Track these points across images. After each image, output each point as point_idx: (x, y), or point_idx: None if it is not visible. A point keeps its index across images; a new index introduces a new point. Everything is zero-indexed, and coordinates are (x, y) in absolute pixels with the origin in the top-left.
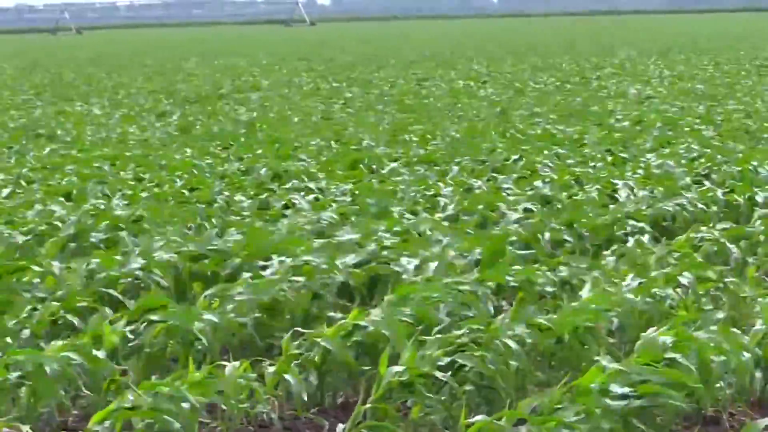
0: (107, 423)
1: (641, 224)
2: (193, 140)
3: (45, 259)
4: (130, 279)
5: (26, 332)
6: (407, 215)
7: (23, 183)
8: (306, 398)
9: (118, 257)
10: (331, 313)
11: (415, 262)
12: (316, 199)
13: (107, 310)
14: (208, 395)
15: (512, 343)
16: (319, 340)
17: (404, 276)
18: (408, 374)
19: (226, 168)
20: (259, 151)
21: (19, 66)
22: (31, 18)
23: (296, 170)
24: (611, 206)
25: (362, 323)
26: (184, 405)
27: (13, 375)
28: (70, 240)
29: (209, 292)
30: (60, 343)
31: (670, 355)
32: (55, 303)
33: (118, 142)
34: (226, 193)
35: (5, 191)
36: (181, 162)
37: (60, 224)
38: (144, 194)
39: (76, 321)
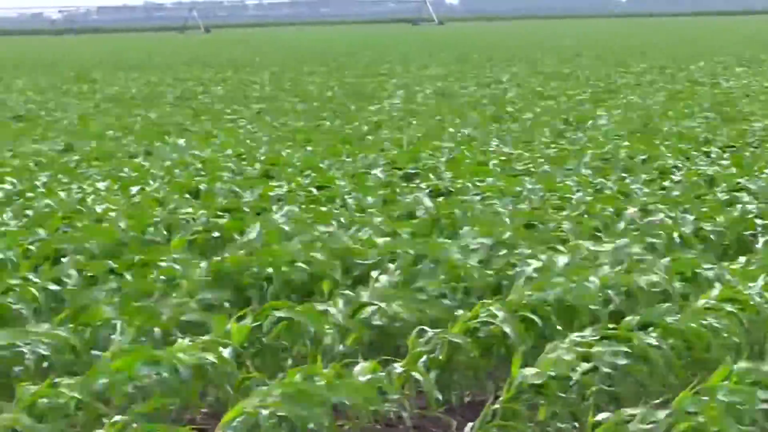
0: (238, 421)
1: None
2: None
3: (172, 255)
4: (256, 276)
5: (156, 330)
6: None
7: (151, 182)
8: (437, 396)
9: (244, 253)
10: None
11: (535, 263)
12: (443, 197)
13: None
14: (337, 394)
15: (653, 341)
16: (447, 336)
17: (527, 274)
18: (541, 377)
19: (356, 165)
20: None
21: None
22: (160, 16)
23: (424, 168)
24: (738, 206)
25: (489, 320)
26: (316, 404)
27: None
28: (198, 236)
29: (338, 292)
30: (188, 341)
31: None
32: (182, 300)
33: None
34: (354, 193)
35: (134, 189)
36: (305, 159)
37: (188, 221)
38: (272, 193)
39: (203, 318)
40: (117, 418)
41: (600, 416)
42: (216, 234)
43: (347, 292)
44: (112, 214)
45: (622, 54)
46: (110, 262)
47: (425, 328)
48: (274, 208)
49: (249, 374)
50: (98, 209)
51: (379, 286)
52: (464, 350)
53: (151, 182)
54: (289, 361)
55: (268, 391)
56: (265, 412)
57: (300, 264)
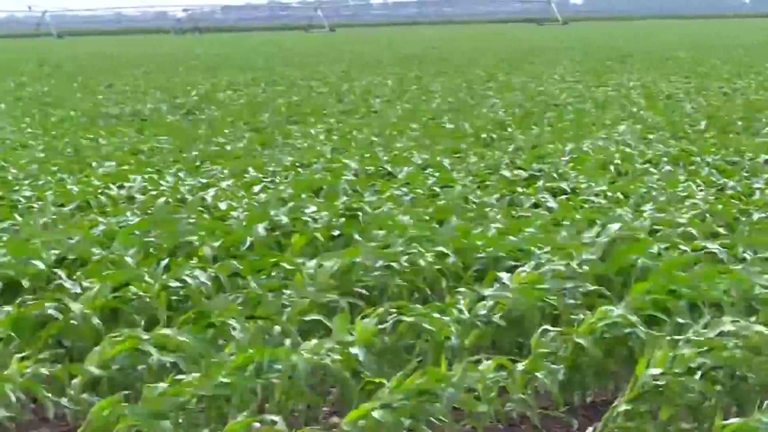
0: (362, 422)
1: None
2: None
3: (293, 256)
4: (377, 276)
5: (277, 329)
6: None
7: (276, 179)
8: (559, 397)
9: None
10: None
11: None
12: (567, 198)
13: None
14: (459, 393)
15: None
16: (573, 336)
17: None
18: (664, 378)
19: (478, 165)
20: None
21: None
22: (284, 15)
23: (548, 169)
24: None
25: (616, 320)
26: (438, 403)
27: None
28: (319, 236)
29: (459, 290)
30: (312, 341)
31: None
32: (304, 299)
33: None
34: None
35: (257, 187)
36: (432, 158)
37: (310, 220)
38: (392, 192)
39: (325, 318)
40: (241, 416)
41: (731, 421)
42: (337, 232)
43: (464, 289)
44: (235, 213)
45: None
46: (234, 262)
47: (548, 327)
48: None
49: (369, 375)
50: (222, 206)
51: (501, 284)
52: (589, 351)
53: (276, 180)
54: (412, 361)
55: (391, 391)
56: (387, 412)
57: (420, 262)
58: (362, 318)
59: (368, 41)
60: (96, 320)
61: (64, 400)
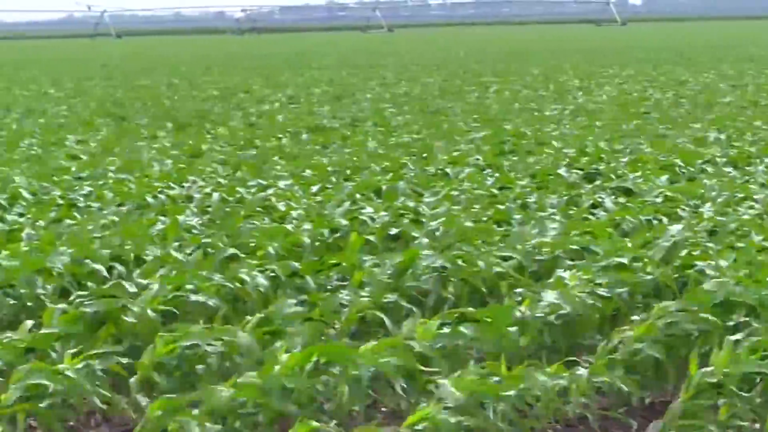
0: (421, 425)
1: None
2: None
3: (351, 255)
4: (435, 276)
5: (335, 329)
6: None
7: (333, 179)
8: (619, 398)
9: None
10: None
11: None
12: (626, 198)
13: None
14: (519, 394)
15: None
16: (631, 335)
17: (709, 274)
18: (718, 376)
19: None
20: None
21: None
22: (342, 15)
23: (607, 169)
24: None
25: (675, 319)
26: (498, 405)
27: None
28: (376, 236)
29: (518, 291)
30: (371, 341)
31: None
32: (363, 300)
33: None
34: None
35: (314, 187)
36: (491, 159)
37: (368, 220)
38: (454, 192)
39: (383, 318)
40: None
41: None
42: (393, 231)
43: (523, 290)
44: (294, 213)
45: None
46: (293, 262)
47: (608, 328)
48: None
49: (430, 377)
50: (281, 207)
51: (560, 284)
52: (648, 351)
53: (334, 180)
54: (471, 362)
55: (450, 392)
56: (446, 413)
57: (479, 262)
58: (422, 318)
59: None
60: (154, 319)
61: (121, 399)
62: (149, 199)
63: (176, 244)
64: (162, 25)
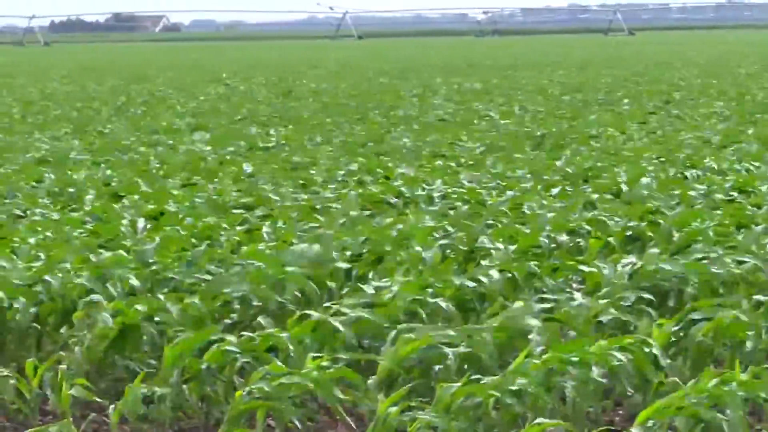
0: (651, 422)
1: None
2: None
3: (590, 258)
4: (673, 278)
5: (571, 333)
6: None
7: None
8: None
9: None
10: None
11: None
12: None
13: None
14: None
15: None
16: None
17: None
18: None
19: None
20: None
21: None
22: (584, 18)
23: None
24: None
25: None
26: (732, 408)
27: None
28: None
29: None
30: (604, 341)
31: None
32: (600, 301)
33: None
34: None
35: (555, 190)
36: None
37: (607, 222)
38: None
39: (624, 319)
40: (539, 420)
41: None
42: (630, 233)
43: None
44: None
45: None
46: (531, 263)
47: None
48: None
49: (664, 377)
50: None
51: None
52: None
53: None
54: (711, 365)
55: (687, 393)
56: (680, 415)
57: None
58: (659, 318)
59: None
60: (393, 321)
61: (359, 398)
62: (393, 200)
63: (415, 245)
64: (402, 26)
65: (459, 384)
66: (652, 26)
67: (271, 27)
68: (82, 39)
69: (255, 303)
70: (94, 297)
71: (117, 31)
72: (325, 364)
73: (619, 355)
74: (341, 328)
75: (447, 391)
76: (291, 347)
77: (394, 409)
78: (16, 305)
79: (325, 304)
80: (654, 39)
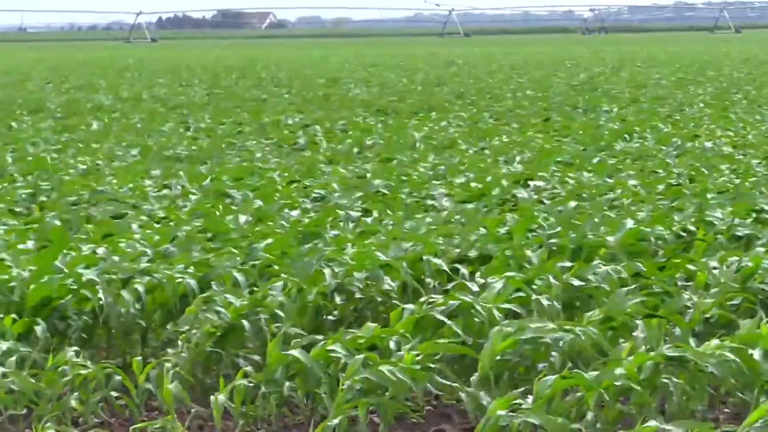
0: (760, 423)
1: None
2: None
3: (697, 257)
4: None
5: (677, 331)
6: None
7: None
8: None
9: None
10: None
11: None
12: None
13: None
14: None
15: None
16: None
17: None
18: None
19: None
20: None
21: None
22: (690, 15)
23: None
24: None
25: None
26: None
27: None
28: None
29: None
30: (712, 341)
31: None
32: (708, 300)
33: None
34: None
35: (660, 186)
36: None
37: (715, 221)
38: None
39: (731, 318)
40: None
41: None
42: (740, 232)
43: None
44: (641, 214)
45: None
46: (638, 262)
47: None
48: None
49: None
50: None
51: None
52: None
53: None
54: None
55: None
56: None
57: None
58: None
59: None
60: (497, 318)
61: (461, 395)
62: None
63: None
64: (509, 24)
65: (556, 376)
66: (759, 24)
67: (376, 24)
68: (189, 36)
69: (358, 296)
70: (211, 291)
71: (223, 28)
72: (422, 358)
73: (728, 354)
74: (447, 321)
75: (545, 384)
76: (392, 344)
77: (502, 413)
78: (123, 300)
79: (429, 297)
80: (762, 37)
